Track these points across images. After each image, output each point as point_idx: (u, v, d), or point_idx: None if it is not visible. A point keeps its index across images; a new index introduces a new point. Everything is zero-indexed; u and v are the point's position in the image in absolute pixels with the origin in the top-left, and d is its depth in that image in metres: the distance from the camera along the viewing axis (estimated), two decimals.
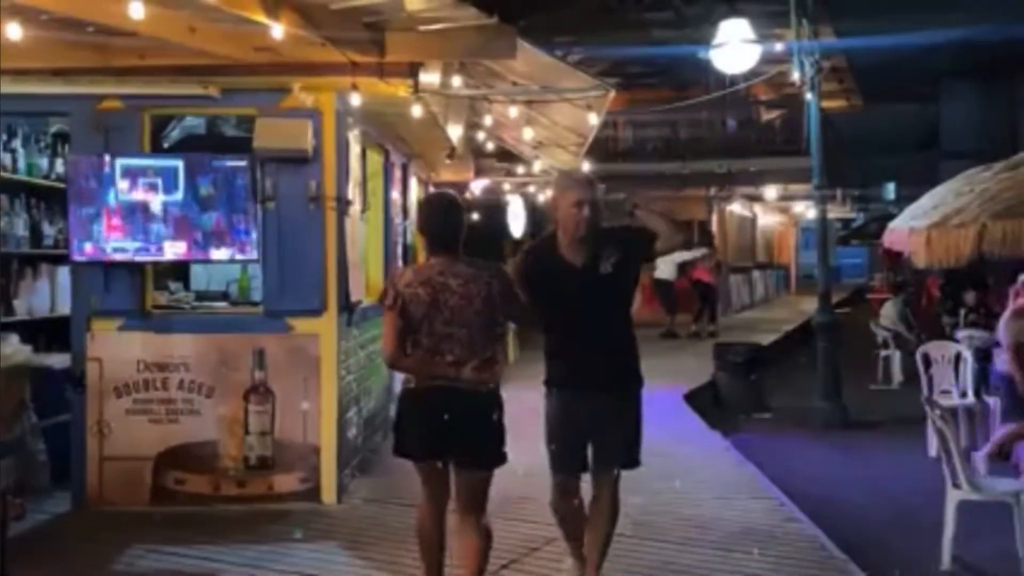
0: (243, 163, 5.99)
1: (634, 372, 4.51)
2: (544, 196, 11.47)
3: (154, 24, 4.87)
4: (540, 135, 9.16)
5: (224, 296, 7.31)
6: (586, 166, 9.88)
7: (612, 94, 7.43)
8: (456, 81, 6.78)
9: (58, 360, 6.43)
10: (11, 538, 4.74)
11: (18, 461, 5.97)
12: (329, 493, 6.14)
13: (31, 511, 5.79)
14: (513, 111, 7.83)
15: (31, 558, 5.03)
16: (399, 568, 4.96)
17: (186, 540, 5.43)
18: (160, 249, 5.99)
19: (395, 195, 8.43)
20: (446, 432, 4.06)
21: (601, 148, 16.49)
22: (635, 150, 22.21)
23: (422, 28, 5.58)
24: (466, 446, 4.08)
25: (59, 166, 7.12)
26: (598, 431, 4.41)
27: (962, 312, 11.45)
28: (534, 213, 13.68)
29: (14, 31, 4.85)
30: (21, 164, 6.94)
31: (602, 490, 4.46)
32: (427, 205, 4.64)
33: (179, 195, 5.95)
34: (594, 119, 7.99)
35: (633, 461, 4.45)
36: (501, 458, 4.16)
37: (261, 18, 4.86)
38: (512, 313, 4.34)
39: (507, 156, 11.09)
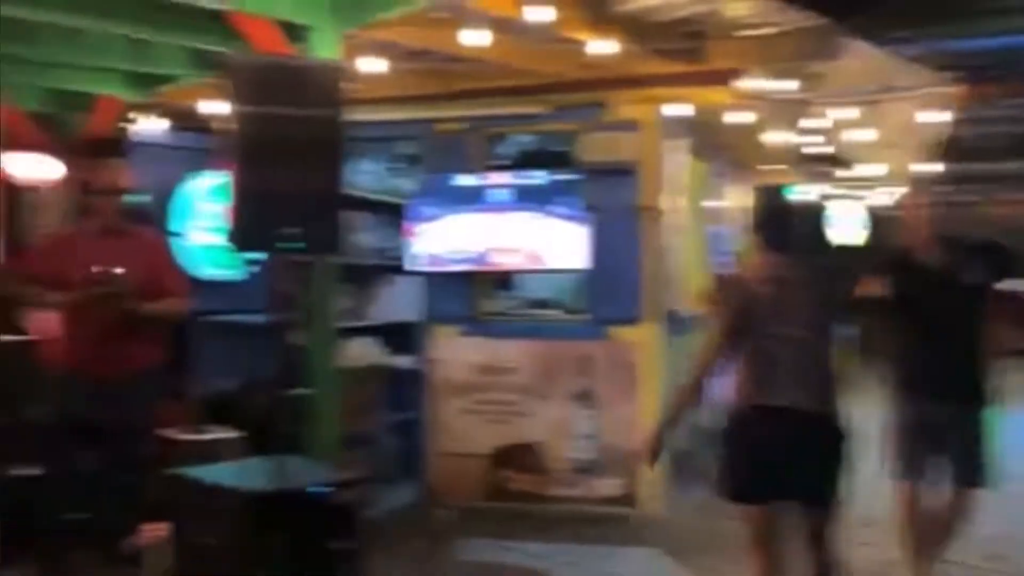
0: (572, 176, 6.22)
1: (983, 387, 4.32)
2: (879, 200, 10.90)
3: (488, 48, 5.19)
4: (872, 137, 8.69)
5: (552, 303, 7.60)
6: (928, 167, 9.25)
7: (954, 90, 6.92)
8: (780, 85, 6.61)
9: (404, 362, 7.02)
10: (364, 522, 5.22)
11: (370, 453, 6.56)
12: (650, 500, 6.21)
13: (381, 500, 6.34)
14: (844, 113, 7.50)
15: (381, 542, 5.51)
16: None
17: (516, 535, 5.72)
18: (494, 259, 6.37)
19: (716, 204, 8.36)
20: (783, 467, 3.63)
21: (944, 147, 15.32)
22: (981, 149, 20.38)
23: (744, 34, 5.52)
24: (809, 484, 3.66)
25: (405, 184, 7.76)
26: (947, 444, 4.25)
27: None
28: (870, 219, 13.00)
29: (379, 65, 5.39)
30: (372, 183, 7.64)
31: (957, 505, 4.30)
32: (761, 205, 4.57)
33: (512, 208, 6.29)
34: (935, 117, 7.47)
35: (983, 479, 4.22)
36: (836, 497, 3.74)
37: (589, 37, 5.03)
38: (851, 313, 4.04)
39: (835, 160, 10.62)
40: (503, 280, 7.74)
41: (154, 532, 4.29)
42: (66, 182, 6.50)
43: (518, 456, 6.41)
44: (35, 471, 4.54)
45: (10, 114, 6.45)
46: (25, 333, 5.11)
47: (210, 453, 5.30)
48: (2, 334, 5.20)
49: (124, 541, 4.38)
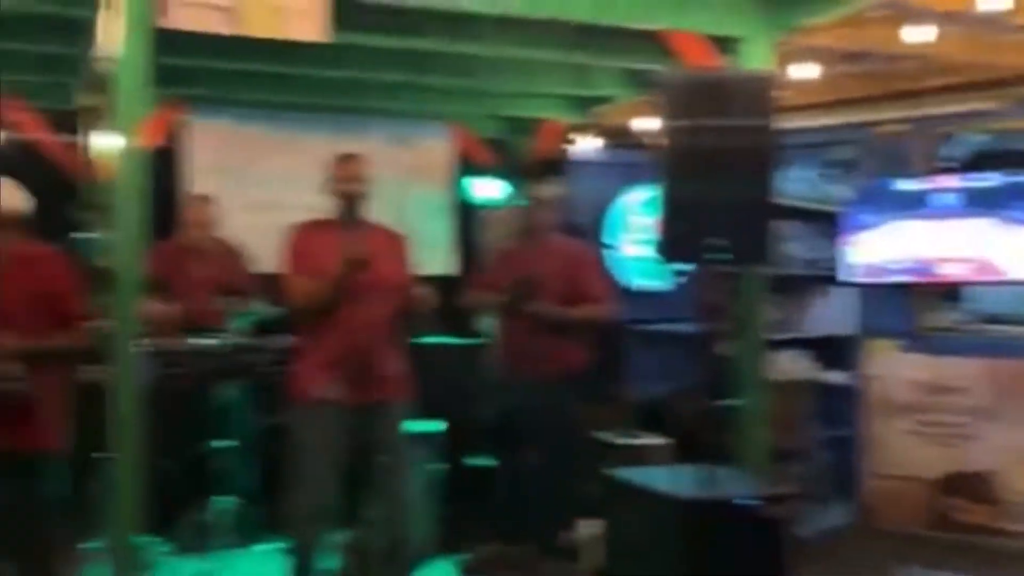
0: None
1: None
2: None
3: (933, 44, 4.86)
4: None
5: (1009, 319, 6.91)
6: None
7: None
8: None
9: (837, 377, 6.74)
10: (793, 539, 5.10)
11: (801, 470, 6.38)
12: None
13: (812, 519, 6.13)
14: None
15: (812, 558, 5.33)
16: None
17: (960, 568, 5.27)
18: (940, 270, 5.93)
19: None
20: None
21: None
22: None
23: None
24: None
25: (839, 191, 7.46)
26: None
27: None
28: None
29: (812, 71, 5.28)
30: (803, 191, 7.44)
31: None
32: None
33: (961, 214, 5.83)
34: None
35: None
36: None
37: None
38: None
39: None
40: (949, 292, 7.19)
41: (589, 528, 4.53)
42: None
43: (968, 484, 5.88)
44: (483, 463, 4.99)
45: (467, 141, 7.21)
46: (481, 338, 5.66)
47: (640, 457, 5.49)
48: (463, 339, 5.81)
49: (561, 535, 4.66)
